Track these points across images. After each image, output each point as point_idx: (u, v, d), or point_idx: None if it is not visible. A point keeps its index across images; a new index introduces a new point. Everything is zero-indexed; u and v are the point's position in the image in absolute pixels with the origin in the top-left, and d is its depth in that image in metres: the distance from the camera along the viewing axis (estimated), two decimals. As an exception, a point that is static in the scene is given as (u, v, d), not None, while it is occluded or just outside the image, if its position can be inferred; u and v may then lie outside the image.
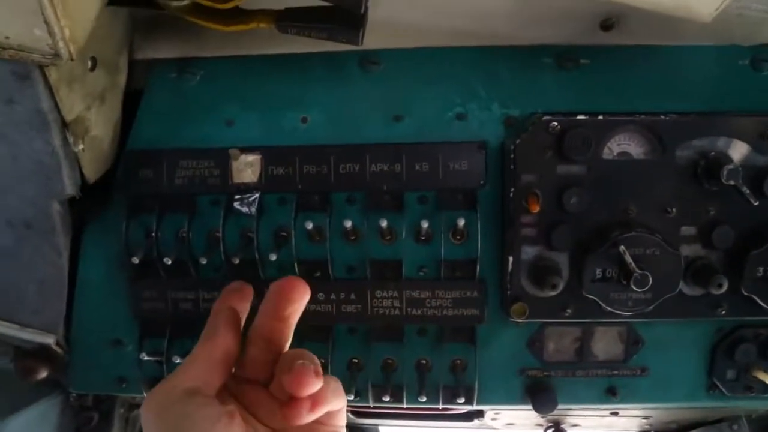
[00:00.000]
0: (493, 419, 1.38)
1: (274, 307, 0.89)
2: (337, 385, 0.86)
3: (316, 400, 0.79)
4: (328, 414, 0.85)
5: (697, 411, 1.34)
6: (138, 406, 1.52)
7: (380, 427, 1.64)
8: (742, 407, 1.29)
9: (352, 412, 1.40)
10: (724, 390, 1.16)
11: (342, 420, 0.89)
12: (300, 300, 0.90)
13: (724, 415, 1.36)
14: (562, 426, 1.43)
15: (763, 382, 1.14)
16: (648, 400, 1.18)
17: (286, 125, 1.16)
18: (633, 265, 0.99)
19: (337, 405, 0.85)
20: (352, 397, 1.14)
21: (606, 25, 1.08)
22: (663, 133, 1.04)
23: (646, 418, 1.38)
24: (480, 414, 1.35)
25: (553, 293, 1.05)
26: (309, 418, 0.79)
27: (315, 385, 0.78)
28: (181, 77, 1.18)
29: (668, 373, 1.16)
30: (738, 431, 1.36)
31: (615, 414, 1.31)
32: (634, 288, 0.99)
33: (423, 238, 1.11)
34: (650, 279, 0.99)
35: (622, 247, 1.00)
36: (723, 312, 1.09)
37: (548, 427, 1.45)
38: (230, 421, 0.79)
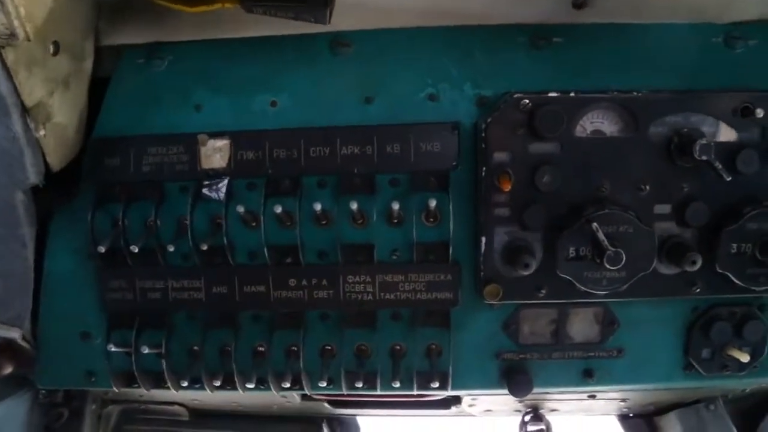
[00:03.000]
0: (471, 405, 1.37)
1: None
2: None
3: None
4: None
5: (673, 392, 1.34)
6: (112, 401, 1.49)
7: (358, 418, 1.63)
8: (718, 387, 1.29)
9: (329, 402, 1.38)
10: (700, 369, 1.16)
11: None
12: None
13: (701, 396, 1.36)
14: (541, 411, 1.42)
15: (738, 360, 1.14)
16: (624, 382, 1.17)
17: (256, 109, 1.14)
18: (606, 242, 0.98)
19: None
20: (324, 384, 1.12)
21: (578, 3, 1.07)
22: (636, 110, 1.04)
23: (623, 400, 1.37)
24: (457, 401, 1.34)
25: (526, 273, 1.04)
26: None
27: None
28: (149, 63, 1.16)
29: (644, 354, 1.16)
30: (715, 411, 1.36)
31: (592, 397, 1.31)
32: (608, 266, 0.99)
33: (395, 221, 1.10)
34: (623, 257, 0.98)
35: (594, 225, 0.99)
36: (698, 290, 1.09)
37: (527, 413, 1.44)
38: None
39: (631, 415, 1.55)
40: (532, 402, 1.39)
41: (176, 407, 1.51)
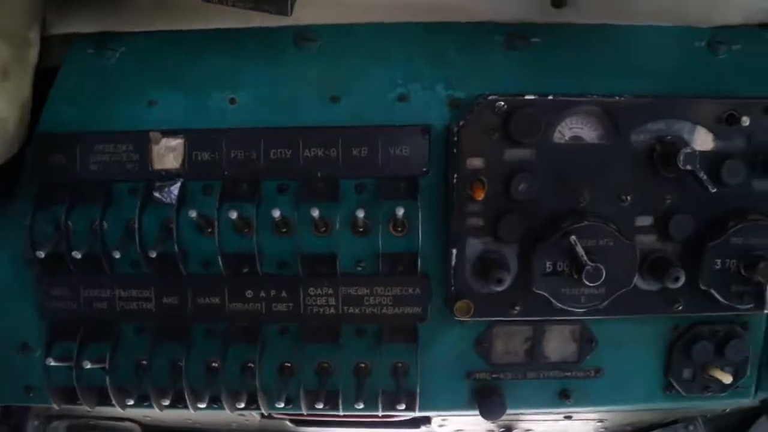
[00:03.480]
0: (441, 426, 1.30)
1: None
2: None
3: None
4: None
5: (652, 412, 1.29)
6: (57, 417, 1.39)
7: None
8: (698, 408, 1.24)
9: (290, 420, 1.30)
10: (680, 390, 1.11)
11: None
12: None
13: (680, 416, 1.31)
14: (515, 431, 1.36)
15: (720, 381, 1.09)
16: (603, 403, 1.11)
17: (213, 106, 1.06)
18: (585, 257, 0.92)
19: None
20: (282, 405, 1.04)
21: (558, 2, 1.01)
22: (617, 116, 0.98)
23: (600, 421, 1.32)
24: (426, 420, 1.27)
25: (499, 288, 0.97)
26: None
27: None
28: (99, 54, 1.07)
29: (623, 374, 1.10)
30: (694, 431, 1.31)
31: (569, 418, 1.25)
32: (587, 282, 0.93)
33: (360, 229, 1.04)
34: (603, 272, 0.92)
35: (573, 238, 0.93)
36: (680, 308, 1.04)
37: (501, 434, 1.38)
38: None
39: None
40: (505, 423, 1.32)
41: (128, 423, 1.42)
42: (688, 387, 1.11)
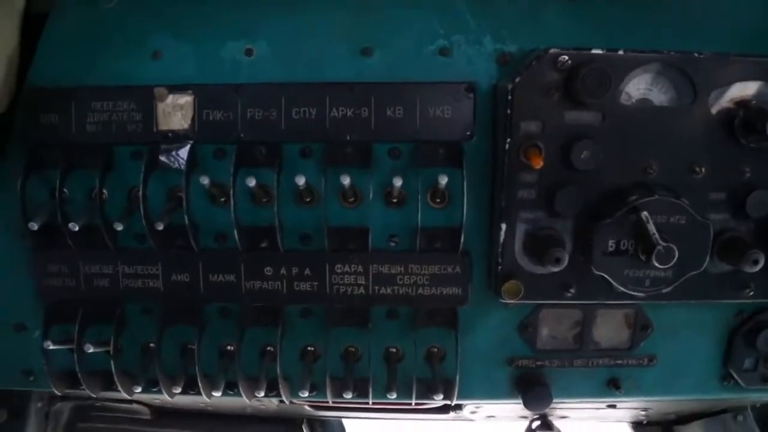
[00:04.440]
0: (473, 412, 1.21)
1: None
2: None
3: None
4: None
5: (700, 404, 1.20)
6: (62, 398, 1.31)
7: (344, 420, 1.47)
8: (750, 398, 1.15)
9: (310, 405, 1.21)
10: (740, 381, 1.01)
11: None
12: None
13: (729, 406, 1.23)
14: (550, 418, 1.27)
15: (785, 372, 0.99)
16: (655, 393, 1.02)
17: (227, 58, 0.94)
18: (657, 236, 0.81)
19: None
20: (306, 393, 0.95)
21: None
22: (694, 76, 0.85)
23: (644, 409, 1.23)
24: (458, 407, 1.19)
25: (556, 269, 0.86)
26: None
27: None
28: None
29: (678, 363, 1.01)
30: (743, 423, 1.23)
31: (612, 406, 1.16)
32: (656, 264, 0.81)
33: (395, 200, 0.94)
34: (676, 253, 0.81)
35: (644, 214, 0.82)
36: (751, 293, 0.93)
37: (534, 419, 1.29)
38: None
39: (645, 422, 1.42)
40: (542, 409, 1.24)
41: (136, 406, 1.33)
42: (748, 378, 1.02)
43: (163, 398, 1.26)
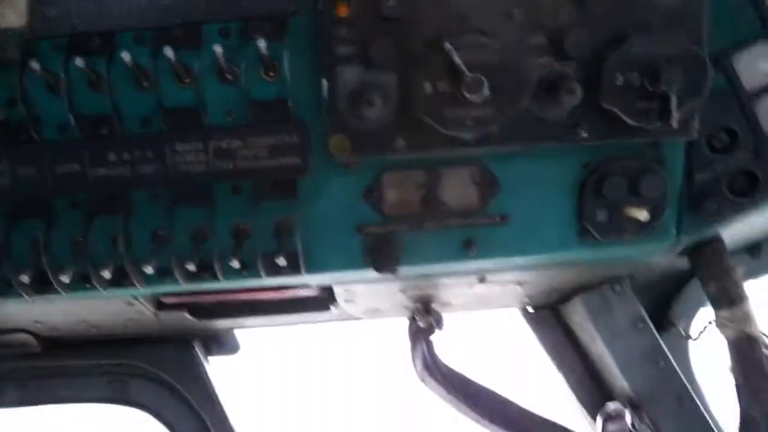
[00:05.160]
0: (348, 302, 1.20)
1: None
2: None
3: None
4: None
5: (575, 273, 1.21)
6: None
7: (237, 334, 1.45)
8: (622, 262, 1.16)
9: (189, 312, 1.20)
10: (596, 234, 1.02)
11: None
12: None
13: (605, 276, 1.24)
14: (432, 305, 1.27)
15: (637, 221, 1.01)
16: (511, 252, 1.02)
17: None
18: (462, 65, 0.81)
19: None
20: (153, 272, 0.94)
21: None
22: None
23: (520, 284, 1.23)
24: (331, 298, 1.18)
25: (372, 117, 0.86)
26: None
27: None
28: None
29: (532, 219, 1.01)
30: (621, 292, 1.24)
31: (483, 281, 1.16)
32: (468, 95, 0.82)
33: (228, 77, 0.93)
34: (484, 82, 0.81)
35: (447, 45, 0.82)
36: (584, 134, 0.94)
37: (416, 309, 1.29)
38: None
39: (532, 307, 1.43)
40: (418, 294, 1.23)
41: (23, 335, 1.30)
42: (603, 230, 1.02)
43: (45, 319, 1.24)
